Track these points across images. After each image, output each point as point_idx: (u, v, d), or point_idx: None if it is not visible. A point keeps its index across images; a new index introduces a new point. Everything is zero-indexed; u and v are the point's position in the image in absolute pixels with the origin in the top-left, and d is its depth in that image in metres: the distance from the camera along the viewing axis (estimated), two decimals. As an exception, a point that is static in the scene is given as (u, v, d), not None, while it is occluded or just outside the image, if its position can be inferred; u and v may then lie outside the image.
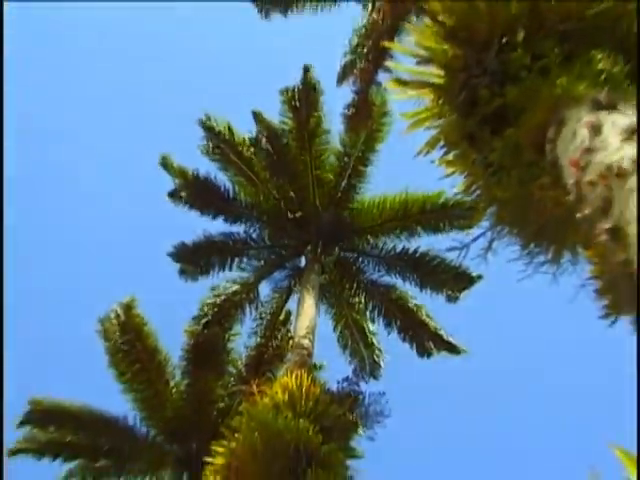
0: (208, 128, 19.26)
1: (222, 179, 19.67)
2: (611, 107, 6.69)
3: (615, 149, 6.18)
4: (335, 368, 18.80)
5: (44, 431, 18.39)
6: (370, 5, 15.48)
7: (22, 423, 18.20)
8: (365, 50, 15.33)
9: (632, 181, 5.77)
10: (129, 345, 18.43)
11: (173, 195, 19.81)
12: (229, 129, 19.35)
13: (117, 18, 38.01)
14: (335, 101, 18.32)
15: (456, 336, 19.22)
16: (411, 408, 20.71)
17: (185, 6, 36.78)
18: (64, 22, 38.10)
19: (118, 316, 18.54)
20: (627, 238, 5.61)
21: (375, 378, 19.20)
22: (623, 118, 6.53)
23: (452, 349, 19.17)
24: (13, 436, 18.12)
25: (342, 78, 16.43)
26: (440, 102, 8.43)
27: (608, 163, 6.09)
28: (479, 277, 19.08)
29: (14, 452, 18.09)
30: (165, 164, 19.60)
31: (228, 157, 19.34)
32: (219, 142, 19.32)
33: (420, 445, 29.48)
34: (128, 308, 18.61)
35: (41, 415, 18.31)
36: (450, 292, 19.19)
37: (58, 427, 18.44)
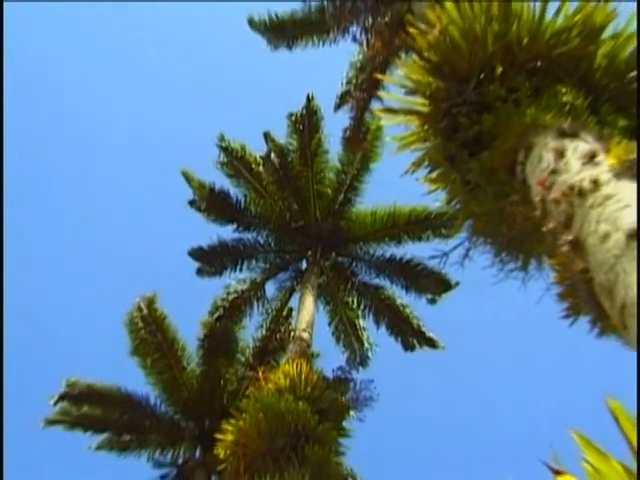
0: (223, 147, 19.29)
1: (235, 191, 19.70)
2: (573, 135, 6.69)
3: (576, 171, 6.18)
4: (330, 358, 18.81)
5: (77, 407, 18.44)
6: (365, 42, 15.50)
7: (58, 400, 18.25)
8: (360, 81, 15.34)
9: (591, 199, 5.77)
10: (150, 335, 18.45)
11: (192, 204, 19.85)
12: (242, 148, 19.39)
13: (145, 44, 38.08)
14: (334, 125, 18.37)
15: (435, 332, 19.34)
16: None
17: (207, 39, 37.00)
18: (89, 41, 38.03)
19: (141, 309, 18.57)
20: (585, 249, 5.61)
21: (364, 367, 19.21)
22: (584, 144, 6.53)
23: (432, 344, 19.19)
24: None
25: (339, 105, 16.43)
26: (425, 128, 8.43)
27: (570, 183, 6.09)
28: (456, 284, 19.12)
29: (51, 422, 18.20)
30: (187, 177, 19.65)
31: (241, 172, 19.38)
32: (233, 159, 19.34)
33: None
34: (150, 302, 18.65)
35: (75, 394, 18.35)
36: (431, 295, 19.20)
37: (89, 404, 18.49)
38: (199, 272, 19.97)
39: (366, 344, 19.53)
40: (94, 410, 18.56)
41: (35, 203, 35.01)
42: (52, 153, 35.76)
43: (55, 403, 18.24)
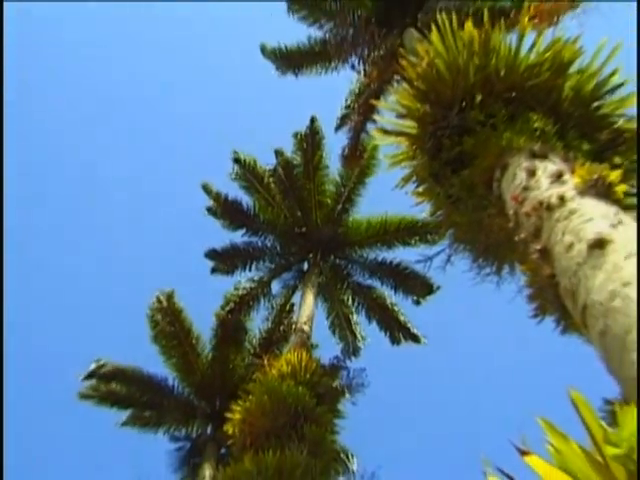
0: (238, 161, 19.30)
1: (246, 200, 19.67)
2: (543, 156, 6.71)
3: (545, 189, 6.19)
4: (327, 349, 18.82)
5: (105, 385, 18.48)
6: (362, 71, 15.55)
7: (87, 377, 18.29)
8: (357, 106, 15.36)
9: (558, 213, 5.77)
10: (169, 325, 18.48)
11: (210, 211, 19.83)
12: (254, 162, 19.39)
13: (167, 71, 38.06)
14: (335, 143, 18.41)
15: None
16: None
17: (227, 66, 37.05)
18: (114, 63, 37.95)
19: (161, 302, 18.63)
20: (552, 257, 5.61)
21: (356, 357, 19.19)
22: (552, 165, 6.54)
23: (416, 339, 19.16)
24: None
25: (339, 127, 16.43)
26: (413, 147, 8.45)
27: (540, 199, 6.09)
28: (438, 287, 19.06)
29: (83, 396, 18.25)
30: (205, 189, 19.64)
31: (252, 183, 19.39)
32: (246, 172, 19.35)
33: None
34: (169, 297, 18.69)
35: (104, 373, 18.41)
36: (416, 297, 19.15)
37: (116, 383, 18.54)
38: (213, 271, 19.98)
39: (359, 337, 19.53)
40: (120, 388, 18.60)
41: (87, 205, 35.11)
42: (95, 160, 35.78)
43: (84, 379, 18.28)
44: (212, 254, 19.82)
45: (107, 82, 37.05)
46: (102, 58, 36.70)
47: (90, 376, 18.35)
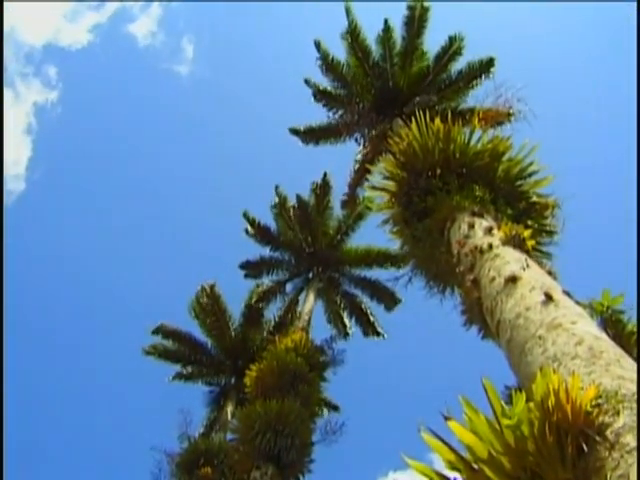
0: (278, 195, 19.17)
1: (272, 226, 19.54)
2: (480, 215, 6.78)
3: (480, 237, 6.25)
4: (320, 333, 18.69)
5: (163, 344, 18.39)
6: (362, 145, 15.70)
7: (153, 332, 18.19)
8: (357, 168, 15.46)
9: (487, 255, 5.82)
10: (210, 307, 18.38)
11: (247, 232, 19.77)
12: (285, 199, 19.25)
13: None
14: (339, 191, 18.31)
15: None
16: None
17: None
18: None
19: (205, 290, 18.53)
20: (480, 285, 5.65)
21: (345, 341, 19.00)
22: (486, 222, 6.62)
23: (378, 334, 19.02)
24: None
25: (350, 185, 16.32)
26: (392, 200, 8.53)
27: (475, 244, 6.16)
28: (400, 300, 18.77)
29: (146, 352, 18.11)
30: (245, 216, 19.58)
31: (281, 213, 19.30)
32: (280, 204, 19.22)
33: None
34: (211, 287, 18.57)
35: (163, 332, 18.32)
36: (386, 306, 18.97)
37: (172, 341, 18.42)
38: (246, 275, 19.87)
39: (345, 327, 19.39)
40: (172, 346, 18.48)
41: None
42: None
43: (152, 333, 18.17)
44: (246, 263, 19.77)
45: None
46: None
47: (156, 331, 18.20)
